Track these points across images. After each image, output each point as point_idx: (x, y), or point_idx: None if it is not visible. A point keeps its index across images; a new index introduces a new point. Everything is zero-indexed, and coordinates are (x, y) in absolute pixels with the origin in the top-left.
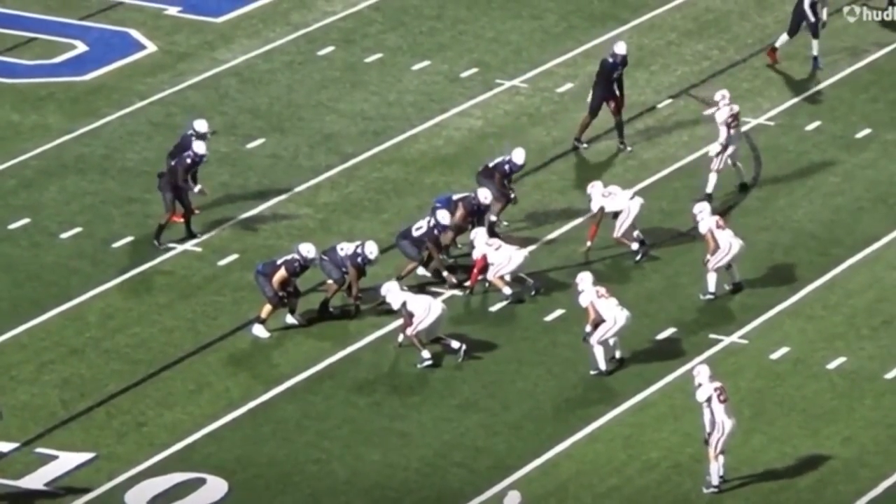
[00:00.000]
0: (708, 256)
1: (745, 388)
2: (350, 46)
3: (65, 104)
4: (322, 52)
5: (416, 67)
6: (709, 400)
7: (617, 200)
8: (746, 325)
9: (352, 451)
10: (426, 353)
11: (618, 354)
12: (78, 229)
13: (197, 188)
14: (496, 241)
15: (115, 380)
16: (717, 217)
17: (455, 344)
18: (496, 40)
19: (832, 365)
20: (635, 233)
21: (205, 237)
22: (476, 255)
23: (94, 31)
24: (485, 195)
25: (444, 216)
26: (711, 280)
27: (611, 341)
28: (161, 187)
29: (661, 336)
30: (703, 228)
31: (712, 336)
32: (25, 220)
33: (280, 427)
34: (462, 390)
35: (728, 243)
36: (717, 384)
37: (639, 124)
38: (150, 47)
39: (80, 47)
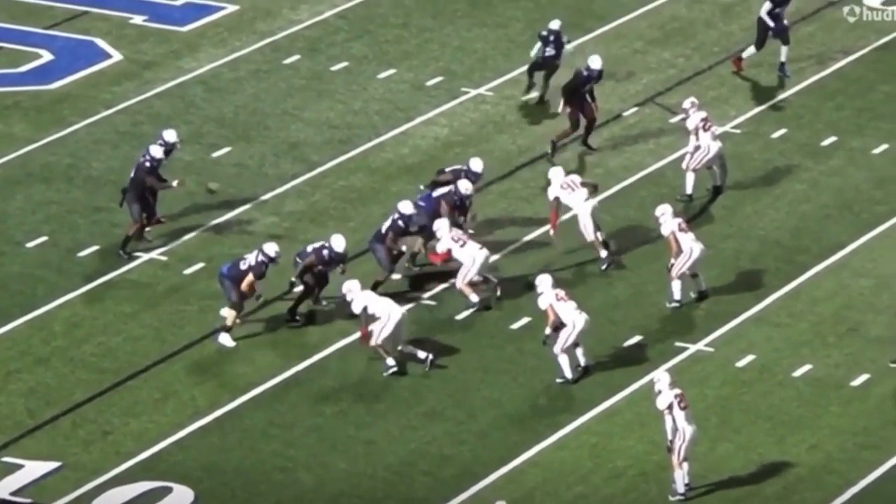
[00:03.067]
0: (671, 261)
1: (711, 395)
2: (315, 55)
3: (30, 113)
4: (288, 61)
5: (381, 76)
6: (669, 407)
7: (572, 197)
8: (712, 333)
9: (318, 460)
10: (391, 361)
11: (583, 362)
12: (43, 238)
13: (175, 182)
14: (461, 237)
15: (80, 389)
16: (679, 220)
17: (421, 354)
18: (462, 49)
19: (798, 372)
20: (599, 234)
21: (170, 246)
22: (440, 248)
23: (60, 39)
24: (465, 186)
25: (406, 206)
26: (676, 287)
27: (578, 352)
28: (127, 200)
29: (627, 344)
30: (665, 231)
31: (678, 344)
32: None
33: (246, 435)
34: (428, 399)
35: (689, 247)
36: (678, 391)
37: (605, 132)
38: (116, 56)
39: (46, 56)
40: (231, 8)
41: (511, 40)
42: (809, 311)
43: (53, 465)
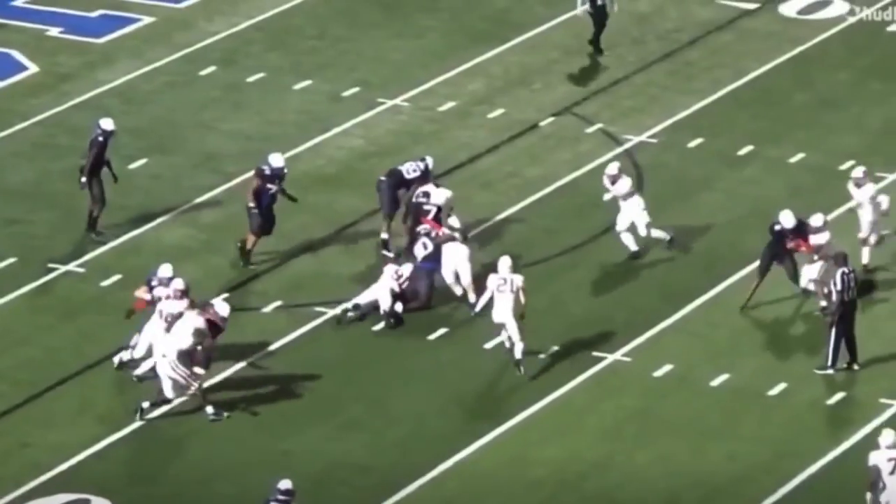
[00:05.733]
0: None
1: (629, 406)
2: (231, 66)
3: None
4: (204, 73)
5: (297, 87)
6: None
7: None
8: (629, 343)
9: (236, 471)
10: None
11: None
12: None
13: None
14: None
15: None
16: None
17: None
18: (378, 59)
19: (716, 382)
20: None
21: (87, 257)
22: None
23: None
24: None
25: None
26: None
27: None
28: (89, 182)
29: (545, 354)
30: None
31: (595, 354)
32: None
33: (165, 446)
34: (346, 409)
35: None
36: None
37: (521, 142)
38: (32, 68)
39: None
40: (147, 19)
41: (427, 51)
42: (727, 321)
43: None
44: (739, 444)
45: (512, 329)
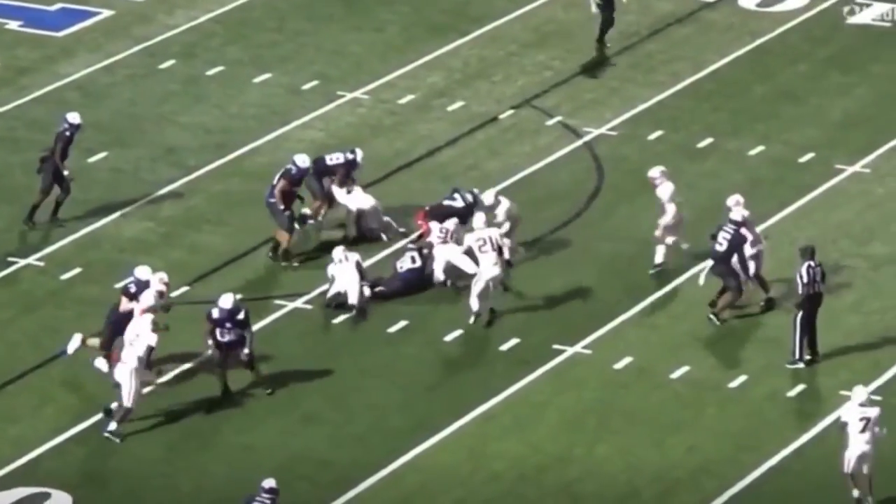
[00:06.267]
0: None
1: (589, 398)
2: (191, 59)
3: None
4: (163, 66)
5: (257, 80)
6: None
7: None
8: (590, 335)
9: (197, 465)
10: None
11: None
12: None
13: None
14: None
15: None
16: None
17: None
18: (337, 52)
19: (676, 374)
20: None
21: (47, 251)
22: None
23: None
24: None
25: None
26: (475, 303)
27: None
28: (43, 170)
29: (505, 347)
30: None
31: (556, 346)
32: None
33: (126, 440)
34: (306, 403)
35: (481, 269)
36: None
37: (480, 135)
38: None
39: None
40: (106, 13)
41: (386, 44)
42: (687, 313)
43: None
44: (699, 436)
45: (497, 280)
